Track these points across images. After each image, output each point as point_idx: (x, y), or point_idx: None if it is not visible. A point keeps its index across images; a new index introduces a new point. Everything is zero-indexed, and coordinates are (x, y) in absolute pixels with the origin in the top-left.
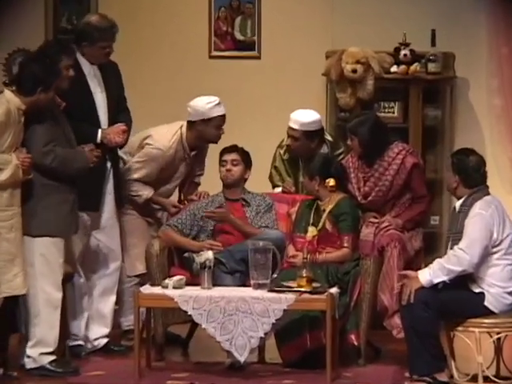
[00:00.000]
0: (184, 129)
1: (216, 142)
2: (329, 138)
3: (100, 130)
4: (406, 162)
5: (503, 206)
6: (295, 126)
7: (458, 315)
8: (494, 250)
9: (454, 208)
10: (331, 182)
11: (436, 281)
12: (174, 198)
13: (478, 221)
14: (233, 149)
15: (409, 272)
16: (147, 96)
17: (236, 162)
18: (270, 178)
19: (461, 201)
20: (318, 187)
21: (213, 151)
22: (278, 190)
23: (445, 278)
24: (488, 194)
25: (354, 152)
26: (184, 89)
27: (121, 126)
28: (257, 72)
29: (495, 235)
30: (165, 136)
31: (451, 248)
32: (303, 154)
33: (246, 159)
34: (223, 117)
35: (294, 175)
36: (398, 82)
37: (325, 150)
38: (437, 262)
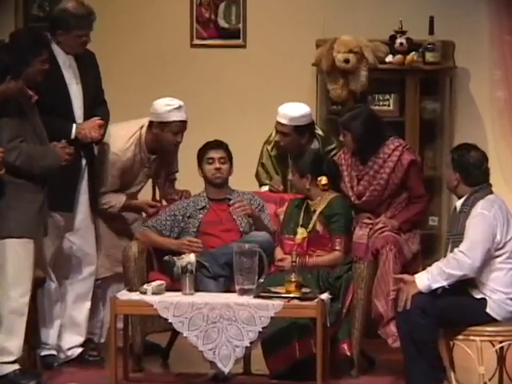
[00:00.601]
0: (144, 130)
1: (171, 150)
2: (320, 132)
3: (75, 125)
4: (403, 159)
5: (507, 206)
6: (284, 121)
7: (457, 323)
8: (497, 253)
9: (455, 208)
10: (323, 180)
11: (435, 286)
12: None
13: (480, 222)
14: (219, 145)
15: (405, 276)
16: (124, 88)
17: (223, 159)
18: (257, 175)
19: (462, 200)
20: (309, 186)
21: (183, 146)
22: (265, 188)
23: (444, 283)
24: (491, 192)
25: (346, 148)
26: (164, 80)
27: (97, 121)
28: (242, 62)
29: (498, 237)
30: (121, 138)
31: (451, 251)
32: (293, 150)
33: (230, 156)
34: (183, 123)
35: (282, 173)
36: (394, 72)
37: (316, 145)
38: (435, 266)
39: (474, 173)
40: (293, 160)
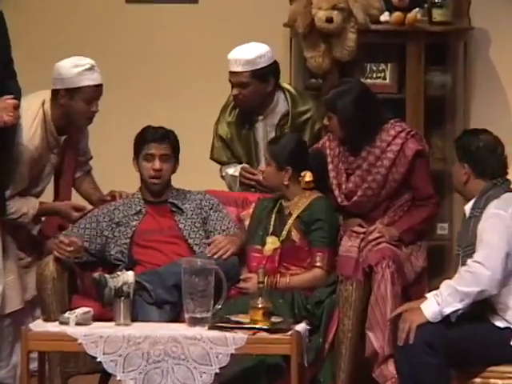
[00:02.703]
0: (48, 105)
1: (84, 125)
2: (289, 87)
3: None
4: (407, 149)
5: None
6: (238, 69)
7: (474, 361)
8: None
9: (464, 214)
10: (307, 176)
11: (447, 311)
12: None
13: (495, 224)
14: (163, 136)
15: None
16: (37, 55)
17: (166, 156)
18: (213, 154)
19: (471, 203)
20: (288, 181)
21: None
22: (231, 170)
23: (459, 306)
24: (509, 190)
25: (332, 135)
26: (91, 45)
27: (10, 100)
28: (193, 22)
29: None
30: (24, 122)
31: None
32: (258, 103)
33: (176, 149)
34: (97, 88)
35: (244, 141)
36: (391, 35)
37: (285, 106)
38: (445, 285)
39: (487, 158)
40: (266, 146)
